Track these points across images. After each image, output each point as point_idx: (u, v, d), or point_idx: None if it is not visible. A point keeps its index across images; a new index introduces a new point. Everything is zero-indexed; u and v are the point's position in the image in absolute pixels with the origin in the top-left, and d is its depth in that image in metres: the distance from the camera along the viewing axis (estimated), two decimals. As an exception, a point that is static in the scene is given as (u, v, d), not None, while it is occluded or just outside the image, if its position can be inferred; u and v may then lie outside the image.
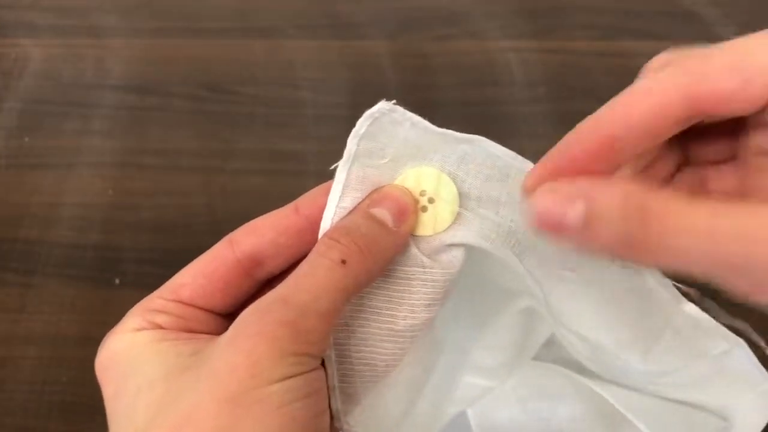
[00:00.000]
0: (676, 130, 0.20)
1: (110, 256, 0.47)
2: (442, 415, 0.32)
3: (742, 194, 0.22)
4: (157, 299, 0.23)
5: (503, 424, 0.36)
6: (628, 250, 0.18)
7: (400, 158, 0.24)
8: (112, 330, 0.23)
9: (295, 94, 0.55)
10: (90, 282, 0.46)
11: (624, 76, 0.22)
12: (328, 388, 0.22)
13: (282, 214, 0.24)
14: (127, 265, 0.46)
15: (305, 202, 0.24)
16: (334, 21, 0.59)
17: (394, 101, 0.23)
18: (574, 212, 0.18)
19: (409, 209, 0.23)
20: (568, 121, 0.20)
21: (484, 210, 0.24)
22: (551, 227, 0.19)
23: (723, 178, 0.23)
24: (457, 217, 0.23)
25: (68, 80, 0.56)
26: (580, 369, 0.31)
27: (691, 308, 0.26)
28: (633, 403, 0.30)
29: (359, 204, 0.23)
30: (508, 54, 0.56)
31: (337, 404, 0.23)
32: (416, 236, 0.23)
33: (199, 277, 0.23)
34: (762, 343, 0.26)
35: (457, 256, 0.23)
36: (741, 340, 0.26)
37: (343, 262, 0.21)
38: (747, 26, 0.20)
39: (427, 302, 0.23)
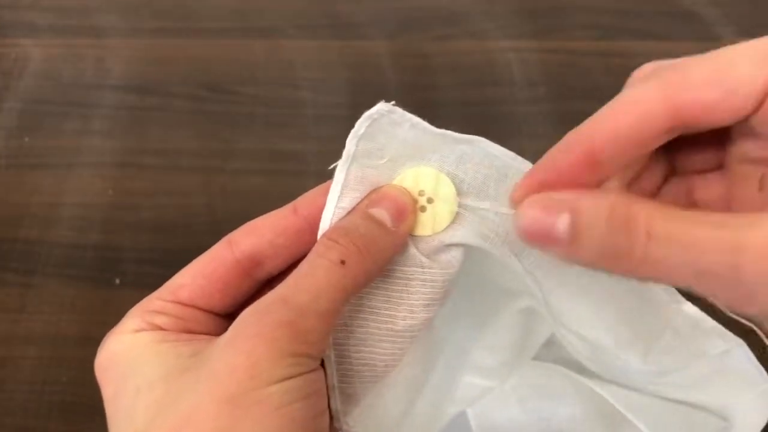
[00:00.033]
0: (660, 141, 0.20)
1: (110, 256, 0.47)
2: (442, 415, 0.32)
3: (728, 202, 0.22)
4: (157, 300, 0.23)
5: (503, 424, 0.36)
6: (614, 261, 0.18)
7: (398, 158, 0.24)
8: (111, 331, 0.23)
9: (295, 94, 0.55)
10: (90, 282, 0.46)
11: (624, 76, 0.22)
12: (327, 388, 0.22)
13: (281, 214, 0.24)
14: (127, 265, 0.46)
15: (304, 202, 0.24)
16: (334, 21, 0.59)
17: (393, 102, 0.23)
18: (561, 224, 0.18)
19: (407, 209, 0.23)
20: (568, 121, 0.20)
21: (483, 210, 0.23)
22: (538, 239, 0.19)
23: (710, 186, 0.23)
24: (456, 217, 0.23)
25: (68, 80, 0.56)
26: (580, 369, 0.31)
27: (691, 308, 0.26)
28: (633, 403, 0.30)
29: (358, 204, 0.23)
30: (508, 54, 0.56)
31: (337, 404, 0.23)
32: (415, 236, 0.23)
33: (198, 277, 0.23)
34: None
35: (456, 256, 0.23)
36: (741, 340, 0.26)
37: (342, 262, 0.21)
38: (747, 26, 0.20)
39: (426, 302, 0.23)
